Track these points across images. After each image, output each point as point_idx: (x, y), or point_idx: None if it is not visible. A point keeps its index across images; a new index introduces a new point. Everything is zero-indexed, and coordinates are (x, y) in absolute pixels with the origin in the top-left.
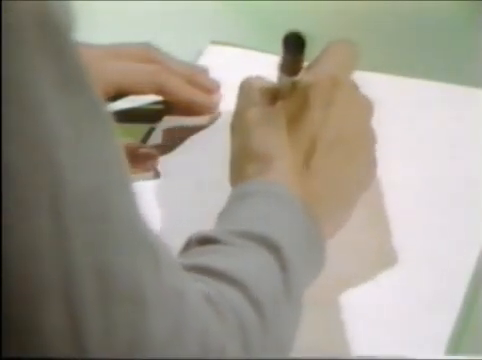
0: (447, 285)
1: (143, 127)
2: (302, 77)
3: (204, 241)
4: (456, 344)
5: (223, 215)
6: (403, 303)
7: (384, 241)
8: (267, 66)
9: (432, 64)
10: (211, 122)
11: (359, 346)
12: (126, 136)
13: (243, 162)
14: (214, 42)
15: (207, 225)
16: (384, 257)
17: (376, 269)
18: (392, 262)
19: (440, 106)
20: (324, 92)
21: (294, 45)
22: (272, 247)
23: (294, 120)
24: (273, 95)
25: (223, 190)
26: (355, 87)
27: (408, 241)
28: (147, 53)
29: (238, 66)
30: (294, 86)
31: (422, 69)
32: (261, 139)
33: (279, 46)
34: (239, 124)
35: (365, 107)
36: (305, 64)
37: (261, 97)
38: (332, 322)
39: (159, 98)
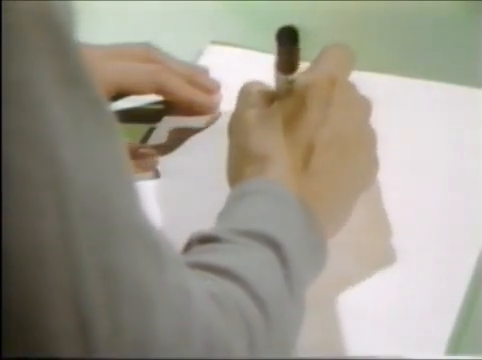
0: (447, 285)
1: (143, 127)
2: (299, 77)
3: (205, 240)
4: (456, 344)
5: (223, 215)
6: (403, 303)
7: (384, 241)
8: (267, 66)
9: (432, 64)
10: (211, 122)
11: (359, 346)
12: (126, 136)
13: (241, 163)
14: (214, 42)
15: (207, 225)
16: (384, 256)
17: (376, 268)
18: (392, 262)
19: (440, 106)
20: (322, 92)
21: (288, 38)
22: (273, 245)
23: (292, 120)
24: (272, 98)
25: (223, 190)
26: (353, 87)
27: (408, 241)
28: (147, 53)
29: (238, 66)
30: (291, 86)
31: (422, 69)
32: (259, 140)
33: None
34: (237, 126)
35: (363, 106)
36: (303, 64)
37: (259, 99)
38: (332, 322)
39: (159, 98)
